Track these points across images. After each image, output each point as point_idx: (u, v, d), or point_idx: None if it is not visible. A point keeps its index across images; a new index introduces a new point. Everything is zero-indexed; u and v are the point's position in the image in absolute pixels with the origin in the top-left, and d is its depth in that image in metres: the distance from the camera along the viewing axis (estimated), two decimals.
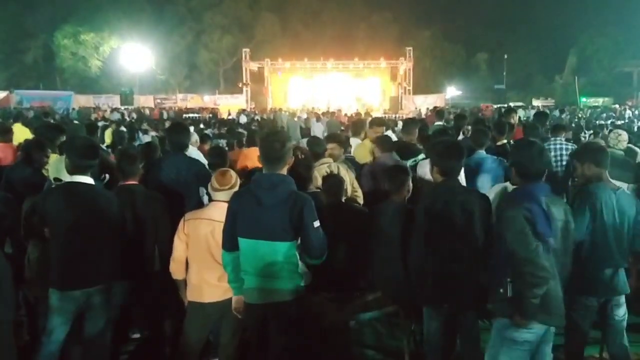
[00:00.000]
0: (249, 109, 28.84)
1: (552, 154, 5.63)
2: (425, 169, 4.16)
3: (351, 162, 5.11)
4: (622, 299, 3.23)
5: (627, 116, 22.48)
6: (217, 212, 3.15)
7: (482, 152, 4.80)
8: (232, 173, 3.31)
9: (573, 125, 15.49)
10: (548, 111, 19.78)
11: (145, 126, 13.18)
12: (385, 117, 22.02)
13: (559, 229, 2.66)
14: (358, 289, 3.78)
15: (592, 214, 3.10)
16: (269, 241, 2.79)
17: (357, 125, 6.74)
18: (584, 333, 3.28)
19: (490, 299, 2.81)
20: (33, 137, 4.95)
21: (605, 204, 3.10)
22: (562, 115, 21.57)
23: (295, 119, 16.99)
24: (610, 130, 9.55)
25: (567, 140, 6.38)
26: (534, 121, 7.49)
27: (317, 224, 2.80)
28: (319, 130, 13.24)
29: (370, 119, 7.30)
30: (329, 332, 3.79)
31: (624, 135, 5.78)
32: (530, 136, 6.16)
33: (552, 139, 5.90)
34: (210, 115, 23.96)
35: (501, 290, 2.67)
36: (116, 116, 21.54)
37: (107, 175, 4.08)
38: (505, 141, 5.59)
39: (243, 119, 17.85)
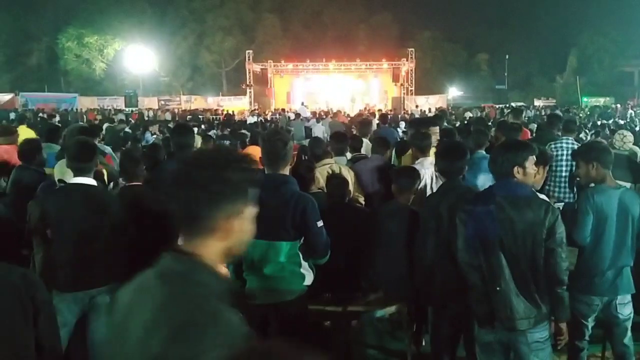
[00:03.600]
0: (251, 110, 28.91)
1: (563, 152, 5.52)
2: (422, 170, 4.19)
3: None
4: (627, 298, 3.21)
5: (628, 116, 22.40)
6: None
7: (481, 152, 4.81)
8: None
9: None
10: (549, 111, 19.79)
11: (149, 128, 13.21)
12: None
13: (517, 230, 2.54)
14: (360, 289, 3.80)
15: (595, 215, 3.09)
16: (272, 241, 2.80)
17: (364, 125, 6.75)
18: (586, 331, 3.29)
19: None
20: (30, 138, 4.95)
21: (607, 205, 3.08)
22: (569, 114, 21.50)
23: (300, 120, 17.00)
24: (613, 131, 9.55)
25: (577, 140, 6.30)
26: (547, 123, 7.22)
27: (320, 223, 2.82)
28: (319, 131, 13.25)
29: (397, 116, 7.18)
30: (331, 332, 3.81)
31: (629, 137, 5.74)
32: (539, 137, 6.14)
33: (564, 138, 5.83)
34: (214, 116, 24.07)
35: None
36: (120, 117, 21.66)
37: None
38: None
39: (251, 120, 17.94)
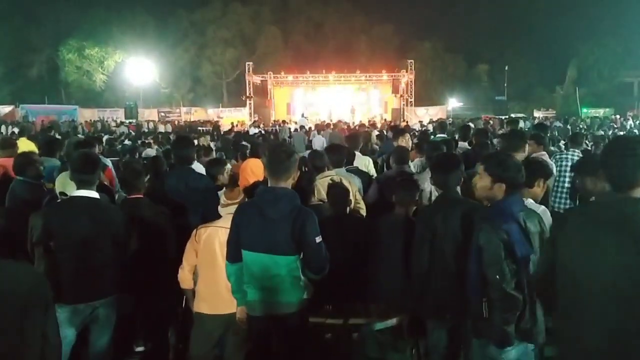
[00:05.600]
0: (251, 122, 28.99)
1: (567, 164, 5.37)
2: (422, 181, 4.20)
3: (355, 173, 5.12)
4: None
5: (628, 127, 22.43)
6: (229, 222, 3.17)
7: None
8: (239, 190, 3.35)
9: None
10: (548, 122, 19.90)
11: (148, 139, 13.27)
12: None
13: (536, 241, 2.57)
14: (361, 300, 3.79)
15: None
16: (272, 255, 2.80)
17: (364, 137, 6.78)
18: None
19: (469, 315, 2.75)
20: (23, 152, 4.94)
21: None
22: (567, 125, 21.59)
23: (302, 131, 17.07)
24: None
25: (584, 152, 6.29)
26: (533, 133, 7.28)
27: (319, 239, 2.81)
28: (319, 142, 13.27)
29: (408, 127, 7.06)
30: (332, 344, 3.80)
31: None
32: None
33: (571, 150, 5.82)
34: (211, 128, 24.18)
35: (479, 309, 2.59)
36: (122, 130, 21.75)
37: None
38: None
39: (253, 131, 18.01)
